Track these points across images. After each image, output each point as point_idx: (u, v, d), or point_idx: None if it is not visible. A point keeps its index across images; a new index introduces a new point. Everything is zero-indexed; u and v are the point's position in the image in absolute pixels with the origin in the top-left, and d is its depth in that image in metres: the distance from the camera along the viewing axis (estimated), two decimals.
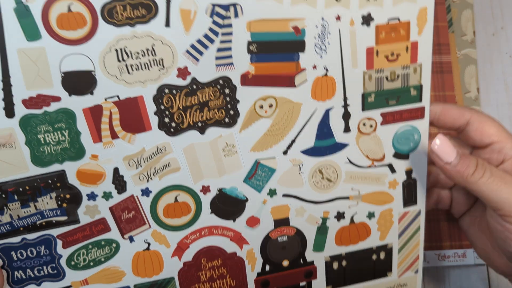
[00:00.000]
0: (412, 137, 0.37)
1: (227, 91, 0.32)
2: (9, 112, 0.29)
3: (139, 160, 0.33)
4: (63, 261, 0.34)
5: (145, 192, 0.34)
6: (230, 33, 0.31)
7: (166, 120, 0.32)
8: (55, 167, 0.31)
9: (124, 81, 0.30)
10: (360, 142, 0.36)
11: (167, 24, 0.30)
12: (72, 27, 0.28)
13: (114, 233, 0.34)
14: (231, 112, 0.33)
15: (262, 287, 0.39)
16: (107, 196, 0.33)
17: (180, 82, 0.31)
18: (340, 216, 0.38)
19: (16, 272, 0.33)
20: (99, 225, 0.33)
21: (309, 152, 0.36)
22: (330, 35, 0.32)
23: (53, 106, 0.30)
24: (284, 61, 0.32)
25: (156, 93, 0.31)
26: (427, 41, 0.33)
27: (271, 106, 0.33)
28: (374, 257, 0.40)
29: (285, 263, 0.39)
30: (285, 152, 0.35)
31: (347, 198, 0.38)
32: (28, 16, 0.28)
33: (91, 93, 0.30)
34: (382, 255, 0.40)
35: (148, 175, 0.33)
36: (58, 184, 0.32)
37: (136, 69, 0.30)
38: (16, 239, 0.32)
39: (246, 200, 0.36)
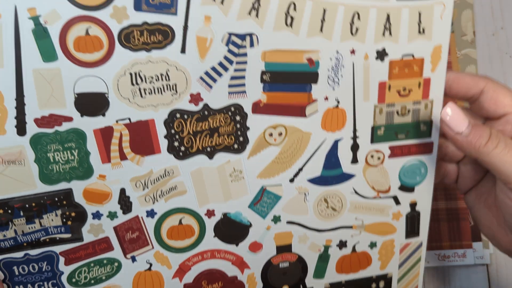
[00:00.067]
0: (419, 171, 0.37)
1: (238, 118, 0.33)
2: (21, 130, 0.30)
3: (146, 182, 0.33)
4: (64, 278, 0.34)
5: (150, 213, 0.34)
6: (245, 62, 0.32)
7: (176, 144, 0.33)
8: (62, 185, 0.32)
9: (137, 104, 0.31)
10: (367, 173, 0.37)
11: (183, 50, 0.30)
12: (88, 50, 0.29)
13: (116, 252, 0.35)
14: (241, 138, 0.34)
15: None
16: (112, 215, 0.34)
17: (192, 107, 0.32)
18: (342, 244, 0.39)
19: (16, 287, 0.34)
20: (102, 244, 0.34)
21: (315, 181, 0.36)
22: (344, 68, 0.33)
23: (65, 126, 0.31)
24: (296, 92, 0.33)
25: (168, 117, 0.32)
26: (440, 78, 0.34)
27: (280, 134, 0.34)
28: (374, 286, 0.41)
29: None
30: (291, 180, 0.36)
31: (351, 227, 0.39)
32: (46, 37, 0.28)
33: (103, 115, 0.31)
34: (382, 284, 0.41)
35: (154, 197, 0.34)
36: (64, 202, 0.32)
37: (149, 93, 0.31)
38: (19, 254, 0.33)
39: (250, 225, 0.36)
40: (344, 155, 0.36)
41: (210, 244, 0.36)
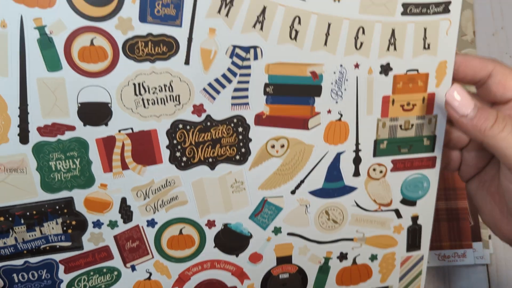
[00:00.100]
0: (421, 185, 0.38)
1: (240, 129, 0.33)
2: (24, 138, 0.30)
3: (147, 192, 0.34)
4: (63, 286, 0.35)
5: (151, 223, 0.35)
6: (248, 74, 0.32)
7: (178, 154, 0.33)
8: (63, 194, 0.32)
9: (139, 115, 0.31)
10: (368, 186, 0.37)
11: (187, 62, 0.31)
12: (93, 60, 0.29)
13: (116, 261, 0.35)
14: (243, 150, 0.34)
15: None
16: (112, 224, 0.34)
17: (195, 118, 0.32)
18: (343, 256, 0.39)
19: None
20: (102, 253, 0.34)
21: (317, 193, 0.36)
22: (347, 82, 0.33)
23: (67, 135, 0.31)
24: (299, 104, 0.33)
25: (170, 128, 0.32)
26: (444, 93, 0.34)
27: (282, 146, 0.34)
28: None
29: None
30: (293, 192, 0.36)
31: (351, 240, 0.39)
32: (51, 47, 0.29)
33: (106, 124, 0.31)
34: None
35: (155, 207, 0.34)
36: (65, 211, 0.33)
37: (152, 103, 0.31)
38: (19, 262, 0.33)
39: (251, 236, 0.37)
40: (346, 168, 0.36)
41: (210, 254, 0.37)
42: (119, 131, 0.32)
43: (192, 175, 0.34)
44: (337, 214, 0.38)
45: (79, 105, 0.30)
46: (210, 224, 0.36)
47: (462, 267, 0.49)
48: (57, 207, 0.32)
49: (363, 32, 0.32)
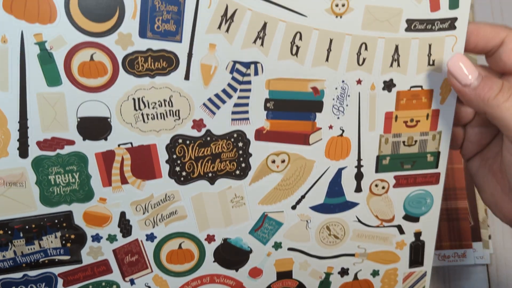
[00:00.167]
0: (424, 201, 0.37)
1: (240, 144, 0.33)
2: (23, 152, 0.31)
3: (146, 206, 0.34)
4: None
5: (150, 237, 0.35)
6: (249, 90, 0.32)
7: (177, 169, 0.33)
8: (62, 208, 0.33)
9: (139, 129, 0.32)
10: (370, 202, 0.37)
11: (187, 77, 0.31)
12: (93, 75, 0.30)
13: (115, 275, 0.35)
14: (243, 164, 0.34)
15: None
16: (111, 238, 0.34)
17: (195, 133, 0.32)
18: (344, 272, 0.39)
19: None
20: (101, 266, 0.35)
21: (318, 208, 0.36)
22: (349, 97, 0.33)
23: (67, 149, 0.31)
24: (300, 120, 0.33)
25: (170, 142, 0.32)
26: (449, 110, 0.34)
27: (283, 161, 0.34)
28: None
29: None
30: (293, 207, 0.36)
31: (353, 255, 0.39)
32: (51, 62, 0.29)
33: (105, 139, 0.31)
34: None
35: (154, 221, 0.34)
36: (64, 224, 0.33)
37: (151, 118, 0.32)
38: (18, 275, 0.34)
39: (251, 251, 0.37)
40: (348, 183, 0.36)
41: (210, 268, 0.37)
42: (119, 145, 0.32)
43: (191, 190, 0.34)
44: (339, 230, 0.37)
45: (79, 119, 0.31)
46: (210, 238, 0.36)
47: (462, 267, 0.49)
48: (56, 221, 0.33)
49: (366, 48, 0.32)
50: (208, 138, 0.33)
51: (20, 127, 0.30)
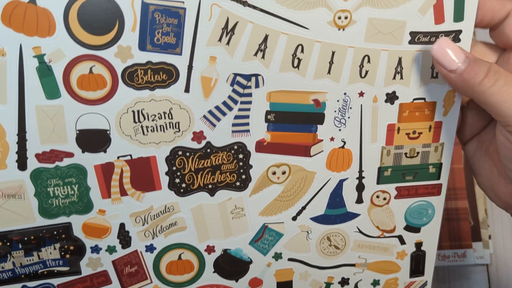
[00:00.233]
0: (426, 212, 0.38)
1: (241, 156, 0.34)
2: (22, 165, 0.31)
3: (146, 217, 0.34)
4: None
5: (150, 248, 0.35)
6: (249, 102, 0.32)
7: (177, 180, 0.33)
8: (61, 219, 0.33)
9: (138, 142, 0.32)
10: (371, 213, 0.37)
11: (187, 90, 0.31)
12: (92, 88, 0.30)
13: (114, 286, 0.35)
14: (243, 176, 0.34)
15: None
16: (111, 250, 0.34)
17: (195, 145, 0.33)
18: (344, 282, 0.39)
19: None
20: (100, 277, 0.35)
21: (318, 219, 0.37)
22: (351, 110, 0.33)
23: (66, 161, 0.31)
24: (301, 132, 0.33)
25: (169, 155, 0.33)
26: (452, 122, 0.34)
27: (284, 173, 0.35)
28: None
29: None
30: (294, 218, 0.36)
31: (353, 265, 0.39)
32: (50, 75, 0.29)
33: (104, 151, 0.32)
34: None
35: (153, 232, 0.35)
36: (63, 236, 0.33)
37: (151, 130, 0.32)
38: (17, 286, 0.34)
39: (251, 262, 0.37)
40: (349, 194, 0.36)
41: (210, 279, 0.37)
42: (118, 157, 0.32)
43: (191, 201, 0.34)
44: (339, 240, 0.38)
45: (78, 132, 0.31)
46: (210, 249, 0.36)
47: (462, 267, 0.50)
48: (55, 233, 0.33)
49: (369, 61, 0.32)
50: (208, 150, 0.33)
51: (18, 140, 0.30)
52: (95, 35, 0.29)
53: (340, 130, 0.34)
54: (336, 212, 0.37)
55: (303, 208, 0.36)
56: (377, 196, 0.37)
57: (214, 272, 0.37)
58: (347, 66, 0.32)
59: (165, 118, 0.31)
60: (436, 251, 0.39)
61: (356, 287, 0.40)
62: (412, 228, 0.38)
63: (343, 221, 0.37)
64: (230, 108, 0.32)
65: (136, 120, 0.31)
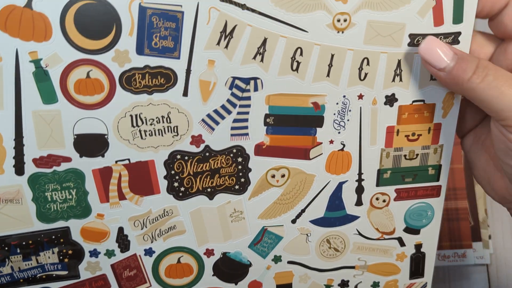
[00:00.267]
0: (425, 214, 0.38)
1: (239, 159, 0.34)
2: (19, 170, 0.31)
3: (144, 221, 0.34)
4: None
5: (148, 252, 0.35)
6: (248, 105, 0.32)
7: (176, 184, 0.33)
8: (60, 224, 0.33)
9: (137, 146, 0.32)
10: (371, 215, 0.37)
11: (185, 93, 0.31)
12: (89, 92, 0.30)
13: None
14: (242, 179, 0.34)
15: None
16: (109, 254, 0.35)
17: (193, 149, 0.33)
18: (344, 284, 0.40)
19: None
20: (99, 281, 0.35)
21: (318, 222, 0.37)
22: (351, 112, 0.33)
23: (63, 166, 0.31)
24: (301, 135, 0.33)
25: (168, 158, 0.33)
26: (451, 123, 0.34)
27: (283, 176, 0.35)
28: None
29: None
30: (293, 221, 0.36)
31: (353, 267, 0.39)
32: (47, 80, 0.29)
33: (102, 156, 0.32)
34: None
35: (152, 236, 0.35)
36: (62, 240, 0.33)
37: (149, 135, 0.32)
38: None
39: (250, 264, 0.37)
40: (348, 197, 0.36)
41: (209, 282, 0.37)
42: (116, 162, 0.32)
43: (190, 205, 0.34)
44: (339, 243, 0.38)
45: (75, 136, 0.31)
46: (209, 253, 0.36)
47: (462, 267, 0.50)
48: (53, 237, 0.33)
49: (368, 63, 0.32)
50: (207, 154, 0.33)
51: (15, 145, 0.30)
52: (92, 39, 0.29)
53: (339, 132, 0.34)
54: (335, 214, 0.37)
55: (303, 210, 0.36)
56: (377, 198, 0.37)
57: (213, 275, 0.37)
58: (346, 68, 0.32)
59: (163, 122, 0.31)
60: (435, 252, 0.40)
61: None
62: (411, 230, 0.38)
63: (343, 223, 0.37)
64: (229, 112, 0.32)
65: (134, 124, 0.31)
